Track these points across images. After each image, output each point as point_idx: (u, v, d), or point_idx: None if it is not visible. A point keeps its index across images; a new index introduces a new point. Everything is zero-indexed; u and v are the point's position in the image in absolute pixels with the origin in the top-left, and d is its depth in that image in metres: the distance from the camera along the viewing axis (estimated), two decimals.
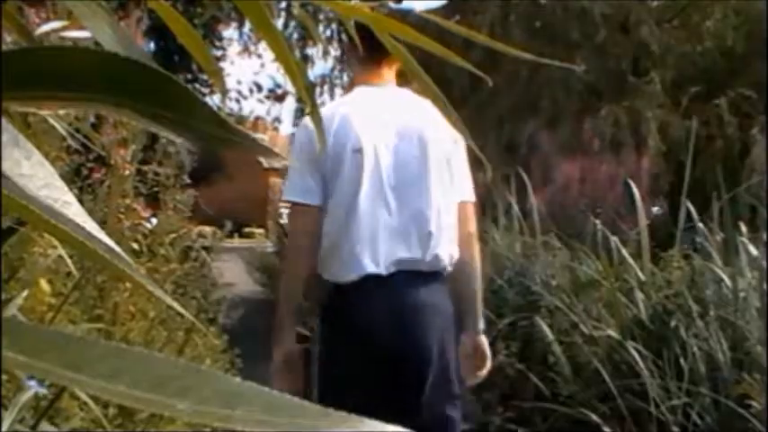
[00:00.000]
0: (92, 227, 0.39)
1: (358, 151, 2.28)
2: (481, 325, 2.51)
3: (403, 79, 2.41)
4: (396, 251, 2.28)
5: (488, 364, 2.52)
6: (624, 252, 4.30)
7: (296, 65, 0.71)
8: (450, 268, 2.38)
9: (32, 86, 0.37)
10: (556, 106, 8.01)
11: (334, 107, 2.45)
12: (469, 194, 2.54)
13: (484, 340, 2.50)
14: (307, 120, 2.46)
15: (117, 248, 0.39)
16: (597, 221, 4.78)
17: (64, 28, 1.46)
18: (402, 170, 2.33)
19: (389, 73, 2.47)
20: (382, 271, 2.25)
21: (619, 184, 6.71)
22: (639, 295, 3.98)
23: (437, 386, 2.27)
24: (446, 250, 2.34)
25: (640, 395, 3.53)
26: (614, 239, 4.41)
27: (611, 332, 3.87)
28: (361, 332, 2.26)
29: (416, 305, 2.28)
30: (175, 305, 0.44)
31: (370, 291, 2.26)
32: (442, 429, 2.33)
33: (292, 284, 2.36)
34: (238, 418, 0.28)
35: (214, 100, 16.92)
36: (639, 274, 4.10)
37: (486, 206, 5.94)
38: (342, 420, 0.30)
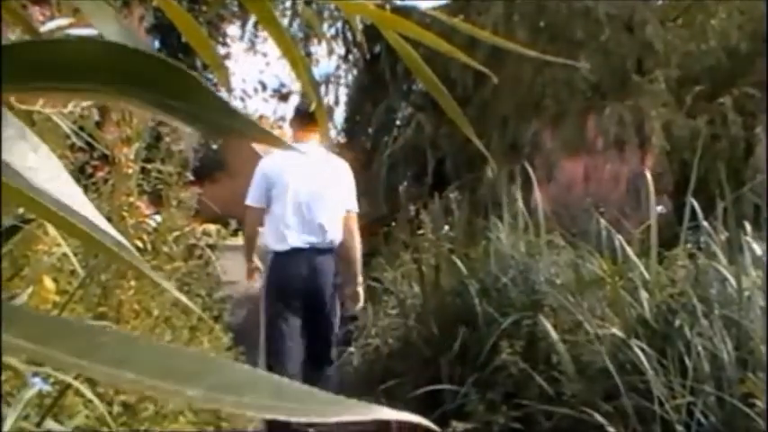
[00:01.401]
0: (98, 220, 0.39)
1: (287, 181, 4.34)
2: (359, 279, 4.71)
3: (323, 137, 4.25)
4: (306, 235, 4.33)
5: (361, 302, 4.80)
6: (629, 250, 4.29)
7: (301, 60, 0.71)
8: (336, 246, 4.44)
9: (37, 78, 0.37)
10: (560, 105, 8.00)
11: (277, 156, 4.41)
12: (353, 206, 4.61)
13: (359, 289, 4.72)
14: (262, 162, 4.50)
15: (124, 241, 0.39)
16: (601, 220, 4.77)
17: (69, 25, 1.47)
18: (311, 192, 4.34)
19: (314, 134, 4.43)
20: (299, 246, 4.31)
21: (622, 182, 6.71)
22: (644, 294, 3.97)
23: (325, 304, 4.39)
24: (334, 236, 4.41)
25: (644, 394, 3.52)
26: (618, 238, 4.40)
27: (616, 331, 3.86)
28: (287, 276, 4.34)
29: (316, 266, 4.34)
30: (183, 298, 0.44)
31: (293, 255, 4.32)
32: (328, 326, 4.48)
33: (248, 242, 4.63)
34: (248, 403, 0.28)
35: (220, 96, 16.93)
36: (644, 272, 4.09)
37: (489, 205, 5.95)
38: (350, 407, 0.30)
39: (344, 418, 0.30)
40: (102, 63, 0.36)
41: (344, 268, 4.57)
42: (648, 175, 4.64)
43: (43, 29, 1.53)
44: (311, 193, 4.32)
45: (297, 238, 4.29)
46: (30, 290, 2.18)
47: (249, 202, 4.44)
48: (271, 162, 4.42)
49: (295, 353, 4.35)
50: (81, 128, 2.14)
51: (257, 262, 4.61)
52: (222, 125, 0.41)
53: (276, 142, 0.46)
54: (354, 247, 4.56)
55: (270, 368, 4.15)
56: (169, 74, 0.38)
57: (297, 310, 4.33)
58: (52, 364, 0.28)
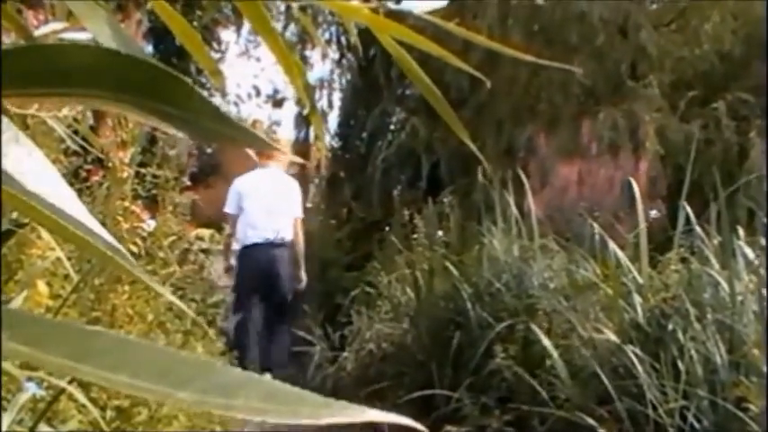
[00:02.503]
0: (92, 224, 0.40)
1: (250, 194, 6.08)
2: (302, 265, 6.36)
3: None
4: (265, 233, 5.99)
5: (304, 282, 6.46)
6: (622, 255, 4.30)
7: (295, 65, 0.71)
8: (287, 242, 6.12)
9: (33, 83, 0.37)
10: (554, 109, 8.00)
11: (246, 177, 6.22)
12: (298, 213, 6.37)
13: (302, 273, 6.39)
14: (236, 181, 6.25)
15: (117, 245, 0.40)
16: (595, 224, 4.78)
17: (64, 29, 1.47)
18: (269, 203, 6.04)
19: (273, 160, 6.16)
20: (260, 241, 6.00)
21: (616, 187, 6.72)
22: (637, 298, 3.98)
23: (282, 288, 6.14)
24: (285, 234, 6.07)
25: (638, 398, 3.53)
26: (612, 243, 4.41)
27: (609, 335, 3.87)
28: (252, 265, 6.03)
29: (275, 256, 6.05)
30: (177, 301, 0.44)
31: (256, 248, 6.01)
32: (282, 295, 6.19)
33: (227, 239, 6.33)
34: (239, 406, 0.28)
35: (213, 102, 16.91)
36: (637, 277, 4.10)
37: (483, 209, 5.95)
38: (342, 409, 0.30)
39: (336, 420, 0.30)
40: (97, 68, 0.37)
41: (295, 257, 6.33)
42: (635, 183, 4.65)
43: (37, 33, 1.53)
44: (269, 204, 6.09)
45: (258, 236, 6.04)
46: (24, 294, 2.17)
47: (227, 210, 6.26)
48: (242, 181, 6.26)
49: (253, 330, 6.14)
50: (75, 131, 2.14)
51: (232, 261, 6.35)
52: (215, 131, 0.41)
53: (266, 146, 0.47)
54: (299, 243, 6.32)
55: (237, 336, 6.02)
56: (162, 79, 0.38)
57: (258, 286, 6.14)
58: (48, 368, 0.28)
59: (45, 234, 2.81)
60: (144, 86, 0.38)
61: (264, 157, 6.03)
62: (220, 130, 0.41)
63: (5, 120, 0.38)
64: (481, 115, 7.88)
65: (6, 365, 1.67)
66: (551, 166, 7.28)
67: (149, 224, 4.06)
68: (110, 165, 3.74)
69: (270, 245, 6.04)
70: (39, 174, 0.39)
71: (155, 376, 0.29)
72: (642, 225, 4.30)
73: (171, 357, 0.31)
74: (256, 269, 6.04)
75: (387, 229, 7.58)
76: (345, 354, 6.05)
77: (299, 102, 10.43)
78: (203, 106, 0.40)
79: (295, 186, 6.44)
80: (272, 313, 6.25)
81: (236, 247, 6.27)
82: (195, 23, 11.99)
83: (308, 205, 11.23)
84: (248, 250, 6.08)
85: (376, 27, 0.67)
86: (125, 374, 0.28)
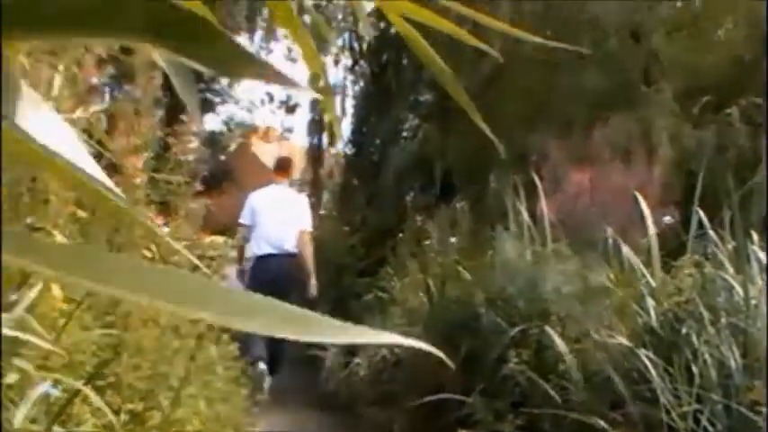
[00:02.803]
0: (100, 175, 0.40)
1: (263, 209, 6.71)
2: (312, 274, 6.86)
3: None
4: (276, 245, 6.64)
5: (314, 290, 6.89)
6: (635, 259, 4.29)
7: (321, 66, 0.72)
8: (294, 253, 6.71)
9: (62, 22, 0.37)
10: (566, 115, 7.98)
11: (260, 193, 6.92)
12: (306, 226, 6.87)
13: (313, 280, 6.88)
14: (251, 196, 6.92)
15: (122, 196, 0.40)
16: (608, 229, 4.77)
17: None
18: (280, 217, 6.67)
19: (285, 178, 7.06)
20: (272, 251, 6.63)
21: (629, 193, 6.70)
22: (650, 302, 3.97)
23: (286, 288, 6.27)
24: (291, 246, 6.70)
25: (651, 402, 3.52)
26: (625, 247, 4.40)
27: (623, 339, 3.86)
28: (264, 273, 6.49)
29: (281, 265, 6.61)
30: (194, 260, 0.45)
31: (268, 259, 6.62)
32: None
33: (241, 245, 6.53)
34: (258, 324, 0.29)
35: (226, 110, 16.93)
36: (650, 280, 4.09)
37: (496, 215, 5.95)
38: (343, 331, 0.31)
39: (353, 341, 0.31)
40: (126, 10, 0.37)
41: (303, 267, 6.87)
42: (641, 197, 4.65)
43: None
44: (280, 218, 6.76)
45: (270, 248, 6.70)
46: (37, 288, 2.17)
47: (242, 221, 6.86)
48: (257, 196, 6.94)
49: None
50: (89, 135, 2.15)
51: (246, 265, 6.83)
52: (239, 67, 0.42)
53: (287, 82, 0.47)
54: (308, 254, 6.87)
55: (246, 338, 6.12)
56: (188, 20, 0.39)
57: (268, 293, 6.26)
58: (72, 288, 0.29)
59: (59, 236, 2.82)
60: (171, 27, 0.39)
61: (278, 175, 7.06)
62: (247, 66, 0.42)
63: (13, 72, 0.38)
64: (493, 120, 7.85)
65: (23, 364, 1.68)
66: (563, 171, 7.26)
67: (162, 230, 4.07)
68: (123, 170, 3.76)
69: (281, 255, 6.69)
70: (48, 127, 0.39)
71: (176, 297, 0.30)
72: (652, 231, 4.30)
73: (191, 281, 0.31)
74: (268, 277, 6.45)
75: (400, 234, 7.59)
76: (358, 360, 6.05)
77: (314, 109, 10.47)
78: (228, 44, 0.41)
79: (304, 201, 7.34)
80: None
81: (249, 254, 6.84)
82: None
83: (322, 212, 11.29)
84: (261, 260, 6.69)
85: (386, 8, 0.68)
86: (146, 295, 0.29)
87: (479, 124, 0.77)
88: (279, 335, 0.30)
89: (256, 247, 6.72)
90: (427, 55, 0.70)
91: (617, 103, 8.10)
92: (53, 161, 0.35)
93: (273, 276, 6.49)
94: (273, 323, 0.30)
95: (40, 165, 0.38)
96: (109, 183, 0.42)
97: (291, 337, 0.30)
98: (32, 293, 2.12)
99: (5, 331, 1.59)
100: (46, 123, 0.40)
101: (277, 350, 6.56)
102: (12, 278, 2.10)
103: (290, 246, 6.72)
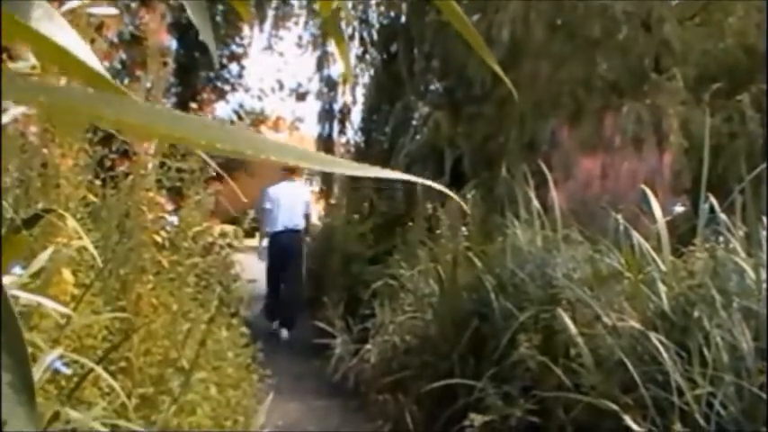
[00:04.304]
0: (89, 56, 0.40)
1: (278, 199, 9.08)
2: (308, 233, 9.83)
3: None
4: (287, 223, 9.10)
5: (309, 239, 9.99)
6: (645, 244, 4.28)
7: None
8: (299, 230, 9.25)
9: None
10: (577, 103, 7.97)
11: (274, 187, 9.21)
12: (310, 211, 9.56)
13: (308, 238, 9.94)
14: (268, 189, 9.21)
15: (106, 74, 0.40)
16: (619, 216, 4.76)
17: (90, 3, 1.48)
18: (289, 204, 9.14)
19: (294, 175, 9.44)
20: (283, 229, 9.10)
21: (640, 180, 6.69)
22: (662, 287, 3.96)
23: (295, 256, 9.31)
24: (299, 224, 9.23)
25: (663, 385, 3.51)
26: (635, 233, 4.39)
27: (634, 323, 3.85)
28: (277, 246, 9.17)
29: (292, 240, 9.19)
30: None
31: (280, 234, 9.11)
32: (296, 266, 9.40)
33: (261, 228, 9.11)
34: (273, 160, 0.30)
35: (236, 98, 16.89)
36: (661, 265, 4.08)
37: (506, 202, 5.94)
38: (372, 168, 0.31)
39: (366, 174, 0.31)
40: None
41: (304, 240, 9.47)
42: (649, 191, 4.64)
43: (63, 8, 1.55)
44: (289, 204, 9.08)
45: (282, 225, 9.02)
46: (49, 249, 2.17)
47: (264, 206, 8.89)
48: (274, 190, 9.11)
49: (276, 286, 9.29)
50: None
51: (264, 243, 9.27)
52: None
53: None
54: (308, 223, 9.48)
55: (268, 296, 9.37)
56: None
57: (280, 260, 9.13)
58: (92, 118, 0.29)
59: (71, 222, 2.83)
60: None
61: (288, 173, 9.26)
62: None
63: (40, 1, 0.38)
64: (504, 109, 7.87)
65: (33, 337, 1.68)
66: (574, 159, 7.25)
67: (172, 221, 4.08)
68: (134, 156, 3.77)
69: (289, 231, 9.11)
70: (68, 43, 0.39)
71: (189, 132, 0.29)
72: (660, 217, 4.29)
73: (199, 122, 0.31)
74: (281, 248, 9.11)
75: (410, 222, 7.59)
76: (368, 346, 6.06)
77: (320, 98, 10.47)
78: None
79: (308, 193, 10.04)
80: (287, 277, 9.28)
81: (267, 230, 9.19)
82: (218, 18, 12.04)
83: (332, 201, 11.30)
84: (275, 236, 9.12)
85: None
86: (161, 128, 0.29)
87: (510, 89, 0.76)
88: (297, 162, 0.31)
89: (271, 226, 9.09)
90: (460, 20, 0.69)
91: (628, 90, 8.09)
92: (51, 42, 0.35)
93: (285, 246, 9.09)
94: (290, 157, 0.30)
95: (38, 46, 0.37)
96: (109, 79, 0.41)
97: (309, 166, 0.31)
98: (43, 274, 2.12)
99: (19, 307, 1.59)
100: (54, 26, 0.40)
101: (292, 310, 9.14)
102: (19, 247, 2.09)
103: (296, 223, 9.18)
